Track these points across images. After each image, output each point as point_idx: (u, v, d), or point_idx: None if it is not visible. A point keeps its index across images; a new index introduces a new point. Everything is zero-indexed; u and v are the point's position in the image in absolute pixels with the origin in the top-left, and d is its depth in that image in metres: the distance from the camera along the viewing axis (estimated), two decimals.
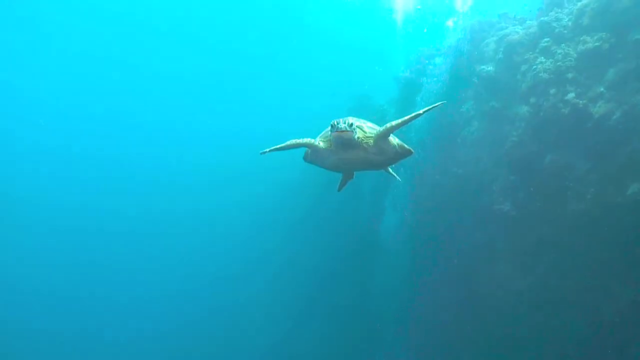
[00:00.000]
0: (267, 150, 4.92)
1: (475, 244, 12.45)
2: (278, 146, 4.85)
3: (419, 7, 21.70)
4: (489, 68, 12.82)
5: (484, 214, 12.08)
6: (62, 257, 28.68)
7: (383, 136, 4.63)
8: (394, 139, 4.85)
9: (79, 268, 28.56)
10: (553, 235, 10.47)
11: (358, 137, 4.54)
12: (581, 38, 10.66)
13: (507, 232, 11.58)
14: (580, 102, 9.99)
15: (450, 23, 18.91)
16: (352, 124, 4.35)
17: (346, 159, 4.78)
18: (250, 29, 29.96)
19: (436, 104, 4.68)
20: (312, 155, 5.04)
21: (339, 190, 6.28)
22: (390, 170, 6.24)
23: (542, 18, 11.96)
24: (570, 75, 10.43)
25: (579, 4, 11.17)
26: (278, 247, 22.82)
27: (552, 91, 10.50)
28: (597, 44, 10.30)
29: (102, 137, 31.98)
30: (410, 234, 15.25)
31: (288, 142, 4.79)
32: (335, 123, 4.35)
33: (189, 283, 28.01)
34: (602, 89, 9.93)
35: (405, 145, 4.99)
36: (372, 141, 4.63)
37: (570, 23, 11.24)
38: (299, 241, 21.11)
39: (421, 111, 4.47)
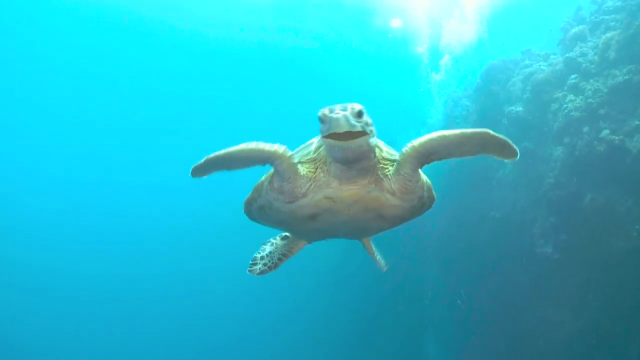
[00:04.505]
0: (200, 165, 2.77)
1: (519, 287, 12.08)
2: (218, 155, 2.69)
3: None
4: (518, 108, 12.68)
5: (526, 257, 11.75)
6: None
7: (419, 158, 2.63)
8: (422, 175, 2.91)
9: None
10: (601, 276, 10.08)
11: (375, 153, 2.63)
12: (610, 72, 10.49)
13: (552, 275, 11.21)
14: (616, 138, 9.74)
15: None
16: (361, 113, 2.36)
17: (341, 199, 2.74)
18: (281, 83, 30.48)
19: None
20: (274, 192, 2.83)
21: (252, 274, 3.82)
22: (374, 249, 4.09)
23: (567, 54, 11.88)
24: (602, 111, 10.22)
25: (603, 37, 11.09)
26: (308, 300, 22.53)
27: (586, 129, 10.28)
28: (627, 77, 10.12)
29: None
30: (446, 278, 14.88)
31: (236, 149, 2.62)
32: (328, 112, 2.29)
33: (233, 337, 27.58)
34: (637, 122, 9.68)
35: (432, 189, 3.12)
36: (394, 168, 2.75)
37: (596, 57, 11.10)
38: (330, 292, 20.76)
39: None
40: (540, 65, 13.03)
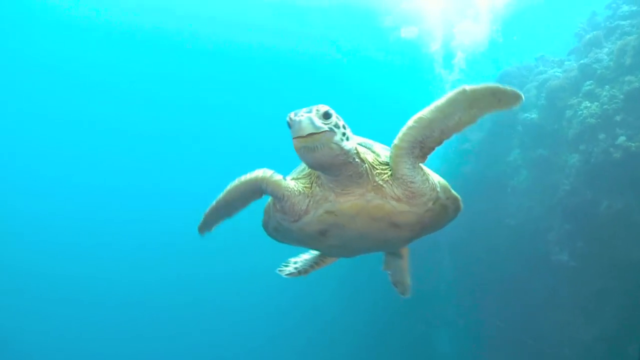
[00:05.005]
0: (202, 224, 2.92)
1: (534, 294, 12.02)
2: (211, 208, 2.78)
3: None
4: (533, 115, 12.62)
5: (541, 264, 11.67)
6: None
7: (410, 154, 2.43)
8: (431, 173, 2.66)
9: None
10: (617, 284, 9.99)
11: (356, 154, 2.40)
12: (626, 78, 10.39)
13: (568, 282, 11.12)
14: (633, 144, 9.63)
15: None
16: (328, 114, 2.22)
17: (342, 211, 2.55)
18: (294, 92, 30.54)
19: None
20: (279, 213, 2.71)
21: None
22: (407, 265, 3.92)
23: (582, 60, 11.79)
24: (618, 118, 10.11)
25: (619, 42, 10.99)
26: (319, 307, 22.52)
27: (602, 136, 10.18)
28: None
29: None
30: (460, 284, 14.80)
31: (222, 195, 2.68)
32: (293, 116, 2.20)
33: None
34: None
35: (451, 189, 2.78)
36: (391, 172, 2.52)
37: (611, 63, 11.00)
38: (345, 294, 20.67)
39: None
40: (554, 72, 12.98)
